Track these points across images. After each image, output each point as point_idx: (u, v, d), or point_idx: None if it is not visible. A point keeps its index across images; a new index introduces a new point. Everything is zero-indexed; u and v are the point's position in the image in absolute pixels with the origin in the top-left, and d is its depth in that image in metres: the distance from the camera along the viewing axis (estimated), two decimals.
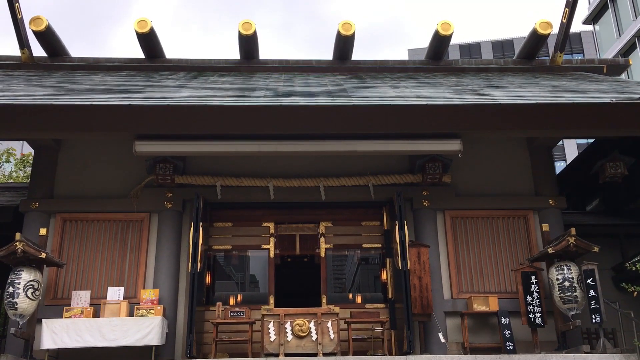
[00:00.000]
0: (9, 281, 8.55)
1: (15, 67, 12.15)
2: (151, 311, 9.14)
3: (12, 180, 20.40)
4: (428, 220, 10.39)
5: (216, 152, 9.30)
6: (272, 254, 10.78)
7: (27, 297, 8.48)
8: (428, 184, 10.46)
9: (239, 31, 11.81)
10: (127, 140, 9.09)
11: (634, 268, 8.66)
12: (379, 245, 10.92)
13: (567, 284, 8.84)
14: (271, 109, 8.41)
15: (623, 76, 18.44)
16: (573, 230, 8.90)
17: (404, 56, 57.12)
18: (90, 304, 9.33)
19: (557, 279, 8.94)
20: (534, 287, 9.39)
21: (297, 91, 9.72)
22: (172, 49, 47.99)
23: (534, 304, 9.29)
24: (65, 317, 8.99)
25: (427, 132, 8.83)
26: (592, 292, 8.63)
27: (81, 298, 9.37)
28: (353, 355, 8.76)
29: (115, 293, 9.43)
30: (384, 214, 10.80)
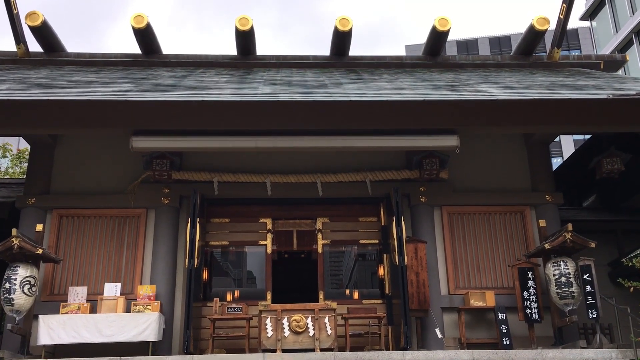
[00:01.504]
0: (5, 277, 8.53)
1: (11, 62, 12.09)
2: (148, 307, 9.13)
3: (8, 176, 20.34)
4: (425, 216, 10.39)
5: (213, 147, 9.29)
6: (269, 250, 10.78)
7: (24, 293, 8.46)
8: (425, 180, 10.46)
9: (236, 27, 11.77)
10: (123, 136, 9.07)
11: (630, 264, 8.68)
12: (376, 241, 10.92)
13: (563, 279, 8.85)
14: (268, 104, 8.40)
15: (620, 72, 18.46)
16: (570, 226, 8.92)
17: (401, 54, 57.00)
18: (87, 300, 9.31)
19: (554, 275, 8.96)
20: (530, 283, 9.41)
21: (294, 87, 9.70)
22: (169, 48, 47.83)
23: (531, 300, 9.31)
24: (62, 313, 8.99)
25: (425, 128, 8.83)
26: (588, 288, 8.65)
27: (78, 294, 9.36)
28: (350, 351, 8.76)
29: (112, 289, 9.42)
30: (381, 210, 10.80)
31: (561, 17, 11.85)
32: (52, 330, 8.67)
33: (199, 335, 9.93)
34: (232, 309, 9.43)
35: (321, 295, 10.44)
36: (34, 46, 12.24)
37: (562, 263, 8.97)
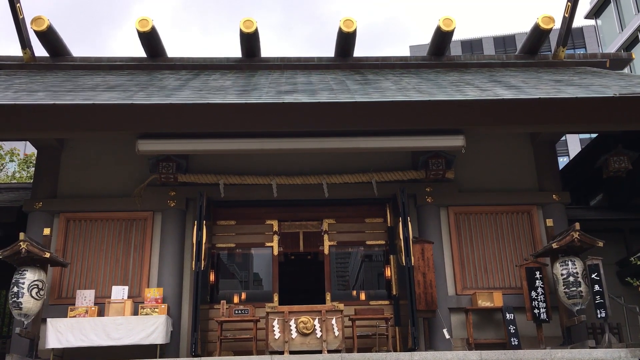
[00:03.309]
0: (13, 281, 8.56)
1: (17, 67, 12.14)
2: (155, 310, 9.15)
3: (15, 181, 20.42)
4: (432, 216, 10.37)
5: (219, 150, 9.30)
6: (275, 252, 10.79)
7: (32, 296, 8.49)
8: (431, 180, 10.44)
9: (241, 29, 11.78)
10: (129, 139, 9.10)
11: (638, 262, 8.64)
12: (383, 242, 10.92)
13: (571, 279, 8.81)
14: (273, 106, 8.40)
15: (626, 70, 18.36)
16: (577, 225, 8.88)
17: (405, 54, 56.93)
18: (95, 303, 9.34)
19: (562, 274, 8.92)
20: (538, 283, 9.37)
21: (299, 88, 9.70)
22: (172, 50, 47.96)
23: (539, 300, 9.28)
24: (70, 317, 9.01)
25: (430, 128, 8.82)
26: (596, 287, 8.60)
27: (85, 297, 9.39)
28: (358, 352, 8.74)
29: (119, 292, 9.44)
30: (388, 210, 10.79)
31: (566, 15, 11.81)
32: (60, 333, 8.69)
33: (206, 337, 9.94)
34: (239, 311, 9.44)
35: (328, 297, 10.44)
36: (39, 51, 12.30)
37: (569, 262, 8.93)
